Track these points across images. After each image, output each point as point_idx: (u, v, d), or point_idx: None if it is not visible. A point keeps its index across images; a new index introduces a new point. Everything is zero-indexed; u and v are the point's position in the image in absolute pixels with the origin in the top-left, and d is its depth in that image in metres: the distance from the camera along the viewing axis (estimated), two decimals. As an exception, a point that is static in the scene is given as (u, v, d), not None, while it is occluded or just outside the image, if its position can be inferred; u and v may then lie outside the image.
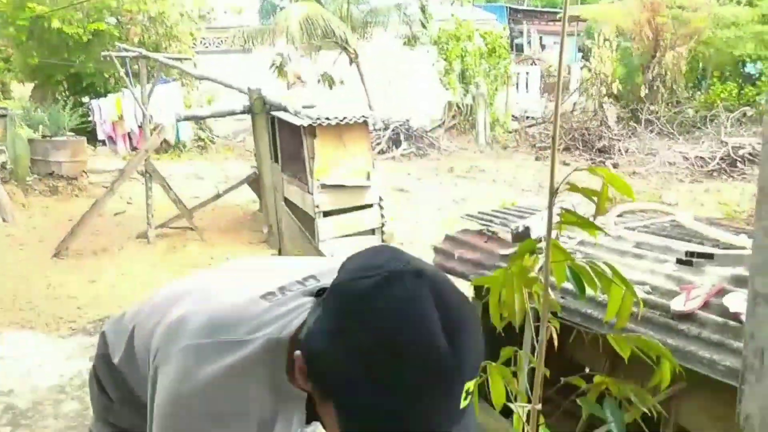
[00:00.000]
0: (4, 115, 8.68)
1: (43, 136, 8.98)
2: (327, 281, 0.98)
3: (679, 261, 2.31)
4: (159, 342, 1.02)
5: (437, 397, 0.78)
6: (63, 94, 12.19)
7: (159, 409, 0.94)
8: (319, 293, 0.97)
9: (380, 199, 6.93)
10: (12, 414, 3.56)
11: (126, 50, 8.09)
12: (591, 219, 1.62)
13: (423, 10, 14.41)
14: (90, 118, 10.65)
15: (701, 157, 10.54)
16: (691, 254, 2.29)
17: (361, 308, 0.80)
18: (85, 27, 11.44)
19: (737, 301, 1.96)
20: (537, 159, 12.33)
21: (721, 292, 2.07)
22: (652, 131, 12.43)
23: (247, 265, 1.26)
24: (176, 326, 1.01)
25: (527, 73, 18.33)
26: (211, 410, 0.91)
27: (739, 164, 10.16)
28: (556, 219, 1.64)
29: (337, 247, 6.60)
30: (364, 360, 0.78)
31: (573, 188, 1.59)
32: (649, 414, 1.54)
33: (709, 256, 2.26)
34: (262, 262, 1.25)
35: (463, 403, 0.81)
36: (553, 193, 1.65)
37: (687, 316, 2.03)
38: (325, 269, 1.05)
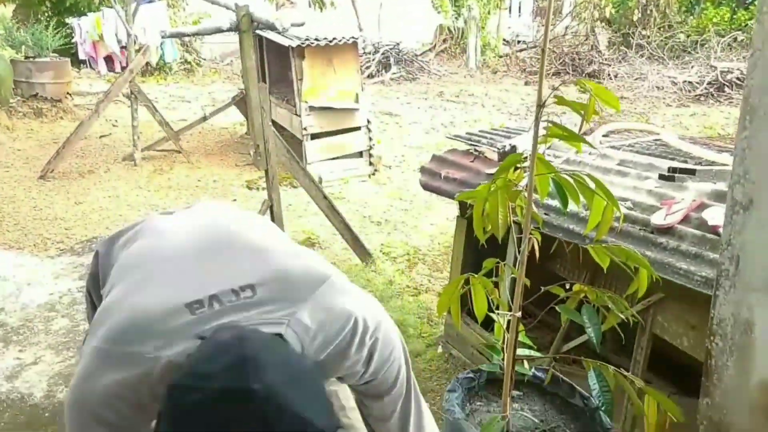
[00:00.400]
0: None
1: (26, 57, 8.72)
2: (263, 294, 1.02)
3: (662, 177, 2.30)
4: (93, 321, 1.07)
5: None
6: (46, 14, 11.78)
7: (66, 398, 1.01)
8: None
9: (368, 122, 6.84)
10: (3, 331, 3.59)
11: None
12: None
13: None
14: (73, 39, 10.35)
15: (689, 82, 10.44)
16: (674, 170, 2.28)
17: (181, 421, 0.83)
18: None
19: (716, 215, 1.96)
20: (526, 84, 12.17)
21: (701, 207, 2.08)
22: (642, 56, 12.25)
23: (208, 235, 1.20)
24: (102, 315, 1.04)
25: (520, -4, 17.86)
26: (99, 416, 0.96)
27: (726, 89, 10.08)
28: (542, 134, 1.62)
29: (325, 170, 6.58)
30: None
31: (560, 101, 1.56)
32: (627, 321, 1.57)
33: (691, 172, 2.25)
34: (222, 232, 1.20)
35: None
36: (541, 105, 1.62)
37: (666, 230, 2.04)
38: (269, 277, 1.05)
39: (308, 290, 1.05)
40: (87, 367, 0.99)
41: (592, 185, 1.57)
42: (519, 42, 14.91)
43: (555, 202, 2.53)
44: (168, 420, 0.83)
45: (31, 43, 8.85)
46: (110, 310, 1.04)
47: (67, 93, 9.04)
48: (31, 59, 8.70)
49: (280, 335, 0.98)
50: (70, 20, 10.18)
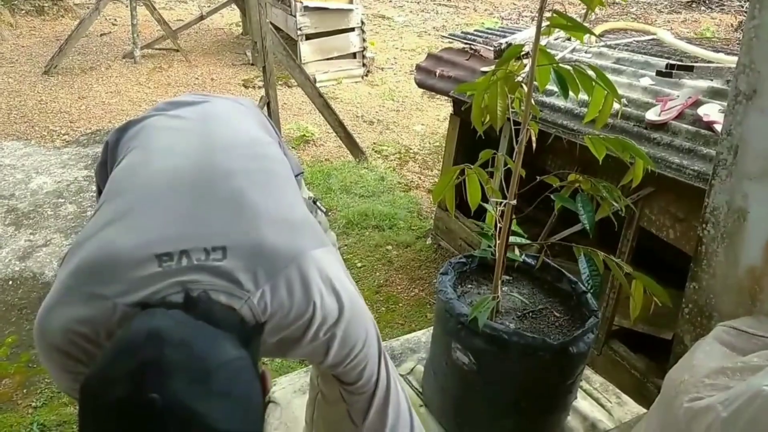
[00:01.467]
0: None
1: None
2: (232, 260, 0.91)
3: (659, 73, 2.20)
4: (70, 248, 0.99)
5: None
6: None
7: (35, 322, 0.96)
8: (179, 304, 0.85)
9: (362, 23, 6.57)
10: (15, 215, 3.62)
11: None
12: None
13: None
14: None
15: (683, -11, 10.01)
16: (671, 66, 2.17)
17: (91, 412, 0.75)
18: None
19: (712, 111, 1.88)
20: (520, -12, 11.68)
21: (697, 104, 1.99)
22: (636, -38, 11.70)
23: (200, 174, 1.06)
24: (77, 247, 0.96)
25: None
26: (58, 346, 0.91)
27: (719, -4, 9.69)
28: (544, 25, 1.51)
29: (319, 71, 6.37)
30: None
31: (563, -11, 1.45)
32: (620, 212, 1.53)
33: (689, 69, 2.15)
34: (215, 174, 1.06)
35: None
36: (543, -3, 1.50)
37: (660, 126, 1.96)
38: (244, 244, 0.93)
39: (279, 266, 0.93)
40: (51, 298, 0.93)
41: (593, 75, 1.49)
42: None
43: (550, 99, 2.43)
44: (80, 418, 0.77)
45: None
46: (84, 242, 0.96)
47: (67, -9, 8.63)
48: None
49: (234, 309, 0.89)
50: None
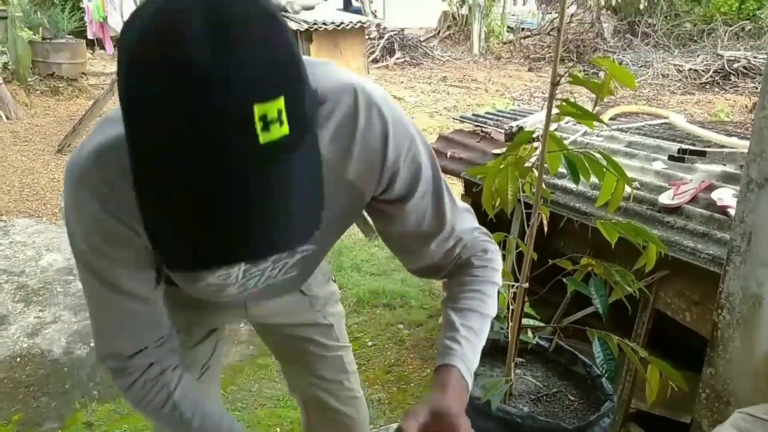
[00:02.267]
0: (4, 17, 8.46)
1: (43, 38, 8.81)
2: None
3: (671, 158, 2.28)
4: None
5: (191, 105, 0.57)
6: (61, -3, 11.80)
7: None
8: None
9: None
10: (24, 292, 3.71)
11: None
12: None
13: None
14: (84, 20, 10.38)
15: (695, 70, 10.32)
16: (684, 151, 2.25)
17: (128, 27, 0.62)
18: None
19: (725, 195, 1.94)
20: (530, 70, 12.07)
21: (710, 188, 2.05)
22: (648, 44, 12.11)
23: None
24: None
25: (526, -17, 17.72)
26: (81, 176, 0.81)
27: (732, 77, 9.95)
28: (554, 113, 1.60)
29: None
30: (121, 83, 0.62)
31: (575, 79, 1.54)
32: (634, 294, 1.56)
33: (701, 154, 2.23)
34: None
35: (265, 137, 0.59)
36: (555, 84, 1.60)
37: (674, 210, 2.02)
38: None
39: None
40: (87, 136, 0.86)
41: (604, 162, 1.56)
42: (523, 29, 14.79)
43: (562, 181, 2.51)
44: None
45: (47, 25, 8.91)
46: None
47: (82, 73, 9.10)
48: (48, 40, 8.79)
49: None
50: (83, 2, 10.17)
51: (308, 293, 1.30)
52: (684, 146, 2.32)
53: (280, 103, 0.60)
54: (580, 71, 10.66)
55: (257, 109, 0.58)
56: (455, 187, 5.49)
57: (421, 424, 0.81)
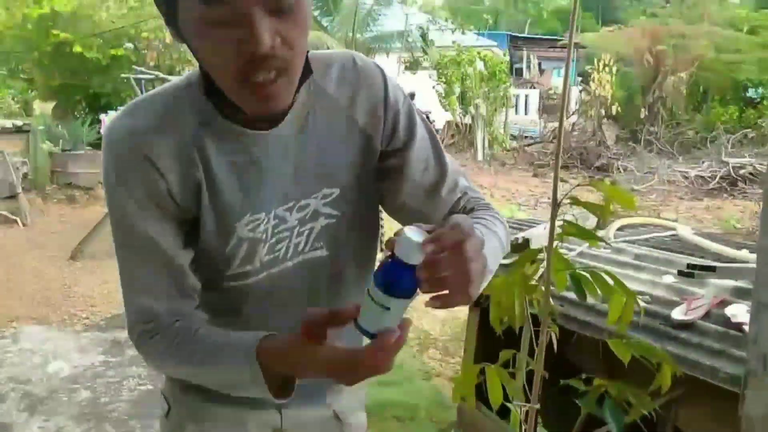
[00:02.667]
0: (27, 131, 8.84)
1: (63, 150, 9.20)
2: None
3: (681, 273, 2.25)
4: None
5: None
6: (82, 111, 12.36)
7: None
8: None
9: (380, 210, 6.88)
10: (30, 400, 3.67)
11: (143, 73, 8.17)
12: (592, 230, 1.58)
13: (424, 37, 14.51)
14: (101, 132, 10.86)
15: (701, 176, 10.46)
16: (693, 266, 2.23)
17: None
18: (104, 52, 11.61)
19: (739, 312, 1.90)
20: (535, 176, 12.28)
21: (723, 303, 2.01)
22: (651, 151, 12.38)
23: None
24: None
25: (526, 95, 18.37)
26: (129, 127, 0.93)
27: (739, 183, 10.07)
28: (557, 230, 1.60)
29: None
30: None
31: (575, 202, 1.55)
32: (649, 416, 1.49)
33: (711, 269, 2.20)
34: None
35: None
36: (556, 205, 1.61)
37: (688, 325, 1.97)
38: None
39: None
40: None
41: (610, 281, 1.53)
42: (525, 137, 15.17)
43: (571, 294, 2.46)
44: None
45: (68, 137, 9.26)
46: None
47: (99, 181, 9.33)
48: (67, 151, 9.13)
49: None
50: (101, 115, 10.66)
51: (342, 420, 1.24)
52: (693, 261, 2.29)
53: None
54: (585, 178, 10.82)
55: None
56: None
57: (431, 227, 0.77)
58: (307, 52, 0.91)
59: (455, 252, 0.74)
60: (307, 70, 0.93)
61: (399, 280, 0.73)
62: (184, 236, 0.97)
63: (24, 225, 7.72)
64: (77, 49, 11.32)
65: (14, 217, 7.77)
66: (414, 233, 0.72)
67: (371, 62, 1.04)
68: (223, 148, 0.95)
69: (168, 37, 11.81)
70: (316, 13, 14.54)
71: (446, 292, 0.77)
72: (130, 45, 12.33)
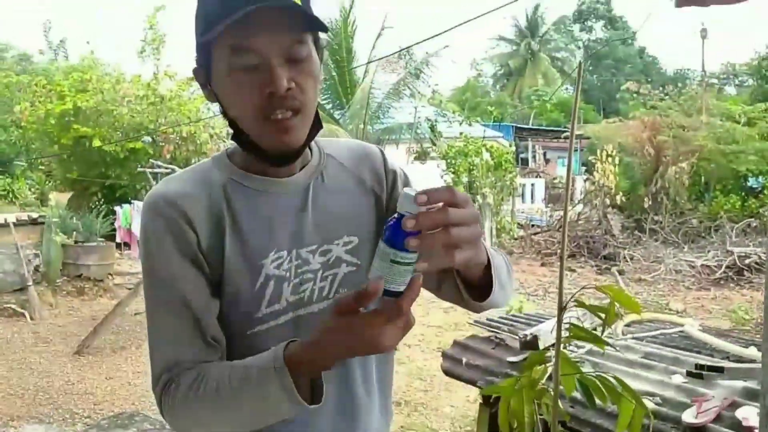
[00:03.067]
0: (42, 223, 8.97)
1: (76, 242, 9.31)
2: None
3: (690, 374, 2.23)
4: None
5: None
6: (97, 203, 12.59)
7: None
8: None
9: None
10: None
11: (159, 166, 8.40)
12: (599, 331, 1.58)
13: (432, 128, 14.91)
14: (115, 224, 10.98)
15: (707, 266, 10.41)
16: (701, 367, 2.21)
17: None
18: (123, 146, 11.97)
19: (750, 414, 1.87)
20: (542, 265, 12.23)
21: (733, 405, 1.98)
22: (656, 240, 12.39)
23: None
24: None
25: (532, 184, 18.63)
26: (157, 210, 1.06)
27: (746, 273, 10.01)
28: (564, 332, 1.60)
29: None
30: None
31: (580, 305, 1.56)
32: None
33: (720, 370, 2.18)
34: None
35: None
36: (562, 309, 1.62)
37: (699, 429, 1.93)
38: None
39: None
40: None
41: (619, 387, 1.52)
42: (533, 225, 15.24)
43: (581, 396, 2.43)
44: None
45: (81, 229, 9.38)
46: None
47: (109, 273, 9.39)
48: (79, 243, 9.22)
49: None
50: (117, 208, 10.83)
51: None
52: (701, 360, 2.27)
53: None
54: (592, 267, 10.74)
55: None
56: (471, 392, 5.34)
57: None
58: (318, 104, 1.09)
59: (444, 210, 0.81)
60: (318, 123, 1.09)
61: (398, 230, 0.79)
62: (212, 289, 1.05)
63: (32, 319, 7.70)
64: (96, 143, 11.69)
65: (22, 311, 7.77)
66: (411, 190, 0.81)
67: (375, 145, 1.27)
68: (248, 196, 1.09)
69: (185, 130, 12.30)
70: (328, 106, 15.07)
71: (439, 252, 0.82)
72: (148, 138, 12.72)
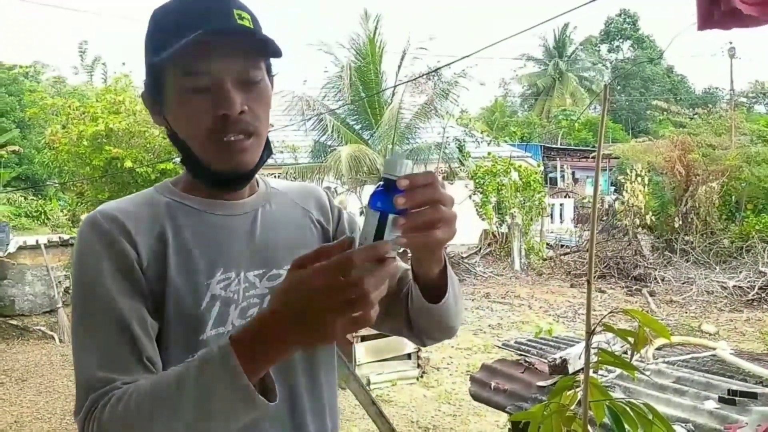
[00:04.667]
0: (73, 244, 9.13)
1: None
2: None
3: (722, 399, 2.19)
4: None
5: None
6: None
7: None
8: None
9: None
10: None
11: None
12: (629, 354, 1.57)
13: (460, 149, 14.90)
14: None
15: (739, 287, 10.21)
16: (734, 393, 2.17)
17: None
18: (154, 167, 12.17)
19: (786, 444, 1.83)
20: (572, 286, 12.09)
21: (768, 433, 1.94)
22: (687, 260, 12.18)
23: None
24: None
25: (561, 204, 18.49)
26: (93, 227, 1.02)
27: (779, 295, 9.80)
28: (593, 357, 1.59)
29: (373, 372, 6.48)
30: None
31: (609, 329, 1.56)
32: None
33: (753, 395, 2.14)
34: None
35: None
36: (590, 334, 1.62)
37: (734, 459, 1.90)
38: None
39: None
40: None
41: (650, 414, 1.51)
42: (562, 246, 15.10)
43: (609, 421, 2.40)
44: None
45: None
46: None
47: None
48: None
49: None
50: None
51: None
52: (734, 386, 2.23)
53: (249, 17, 1.02)
54: (622, 288, 10.59)
55: (235, 11, 1.00)
56: (500, 417, 5.28)
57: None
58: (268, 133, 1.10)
59: (433, 186, 0.84)
60: (268, 148, 1.10)
61: (385, 192, 0.82)
62: (152, 308, 0.99)
63: (60, 341, 7.78)
64: (128, 164, 11.90)
65: (51, 333, 7.88)
66: (396, 156, 0.85)
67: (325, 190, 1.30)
68: (193, 215, 1.07)
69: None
70: (357, 127, 15.15)
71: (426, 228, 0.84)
72: (177, 159, 12.92)
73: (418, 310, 1.08)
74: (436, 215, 0.84)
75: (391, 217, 0.81)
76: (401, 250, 0.84)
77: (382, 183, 0.83)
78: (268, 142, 1.10)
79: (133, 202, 1.08)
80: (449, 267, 1.06)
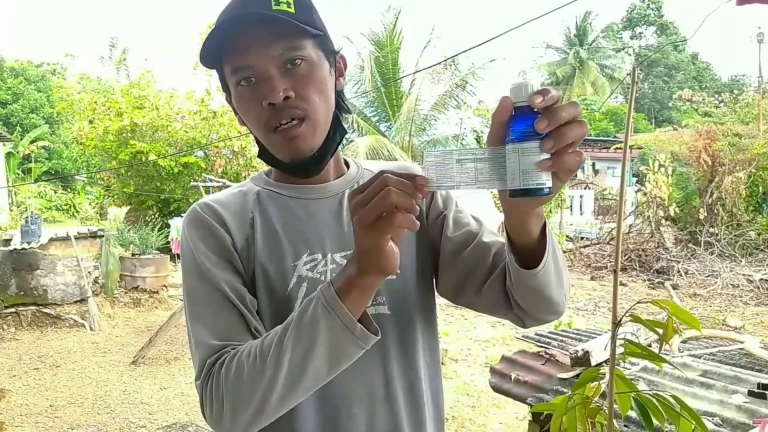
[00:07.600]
0: (101, 236, 9.27)
1: (132, 254, 9.58)
2: None
3: (751, 393, 2.13)
4: None
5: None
6: (153, 216, 12.94)
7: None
8: None
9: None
10: None
11: (211, 180, 8.59)
12: (653, 348, 1.53)
13: (478, 140, 14.84)
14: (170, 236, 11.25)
15: (766, 280, 10.01)
16: (764, 386, 2.11)
17: None
18: (177, 160, 12.30)
19: (818, 439, 1.77)
20: (592, 279, 11.96)
21: (799, 428, 1.88)
22: (712, 253, 11.94)
23: None
24: None
25: (581, 196, 18.28)
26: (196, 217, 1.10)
27: (807, 289, 9.59)
28: (618, 348, 1.56)
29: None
30: None
31: (636, 320, 1.52)
32: None
33: (782, 389, 2.08)
34: None
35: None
36: (616, 324, 1.58)
37: (763, 453, 1.85)
38: None
39: None
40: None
41: (677, 406, 1.47)
42: (582, 238, 14.92)
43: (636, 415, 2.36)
44: None
45: (138, 242, 9.65)
46: None
47: (164, 285, 9.61)
48: (136, 256, 9.49)
49: None
50: (170, 221, 11.12)
51: None
52: (763, 380, 2.17)
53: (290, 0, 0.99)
54: (644, 281, 10.44)
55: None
56: (520, 408, 5.24)
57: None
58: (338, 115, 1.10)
59: (574, 105, 0.79)
60: (339, 128, 1.10)
61: (521, 120, 0.78)
62: (249, 287, 1.06)
63: (91, 329, 7.95)
64: (152, 157, 12.04)
65: (82, 321, 8.02)
66: (524, 83, 0.79)
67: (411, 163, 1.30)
68: (281, 201, 1.12)
69: (236, 144, 12.56)
70: (375, 119, 15.16)
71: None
72: (200, 153, 13.05)
73: (516, 282, 1.03)
74: (584, 129, 0.79)
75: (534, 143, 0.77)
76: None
77: (513, 114, 0.79)
78: (337, 122, 1.09)
79: (229, 193, 1.14)
80: (548, 225, 1.00)
